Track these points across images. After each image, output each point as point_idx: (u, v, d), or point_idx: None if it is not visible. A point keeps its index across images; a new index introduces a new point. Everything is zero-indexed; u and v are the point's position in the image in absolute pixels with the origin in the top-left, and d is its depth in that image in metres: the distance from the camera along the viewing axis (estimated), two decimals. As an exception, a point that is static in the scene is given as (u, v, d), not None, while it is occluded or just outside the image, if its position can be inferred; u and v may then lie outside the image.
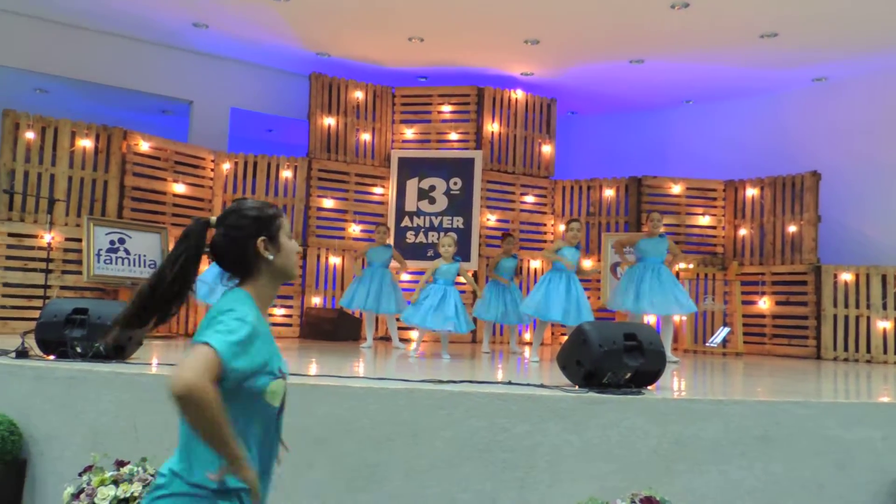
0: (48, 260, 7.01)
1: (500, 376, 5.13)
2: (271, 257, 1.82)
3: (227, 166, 9.11)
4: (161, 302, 1.76)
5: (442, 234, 9.35)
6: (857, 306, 8.33)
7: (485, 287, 7.98)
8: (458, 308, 6.53)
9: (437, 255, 9.30)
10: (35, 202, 7.53)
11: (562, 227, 9.98)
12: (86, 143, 7.91)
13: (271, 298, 1.88)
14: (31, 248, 7.42)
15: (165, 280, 1.75)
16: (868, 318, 8.27)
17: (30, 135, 7.59)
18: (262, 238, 1.82)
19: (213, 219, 1.84)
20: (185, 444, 1.71)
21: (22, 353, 4.47)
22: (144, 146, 8.34)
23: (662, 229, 7.25)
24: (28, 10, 8.39)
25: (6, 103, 8.05)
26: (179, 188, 8.65)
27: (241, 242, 1.80)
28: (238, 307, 1.71)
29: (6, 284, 7.29)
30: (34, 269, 7.33)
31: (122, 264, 7.79)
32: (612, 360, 3.95)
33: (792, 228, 9.03)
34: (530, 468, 3.58)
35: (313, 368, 5.15)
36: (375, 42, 9.02)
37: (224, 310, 1.69)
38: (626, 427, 3.63)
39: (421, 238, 9.50)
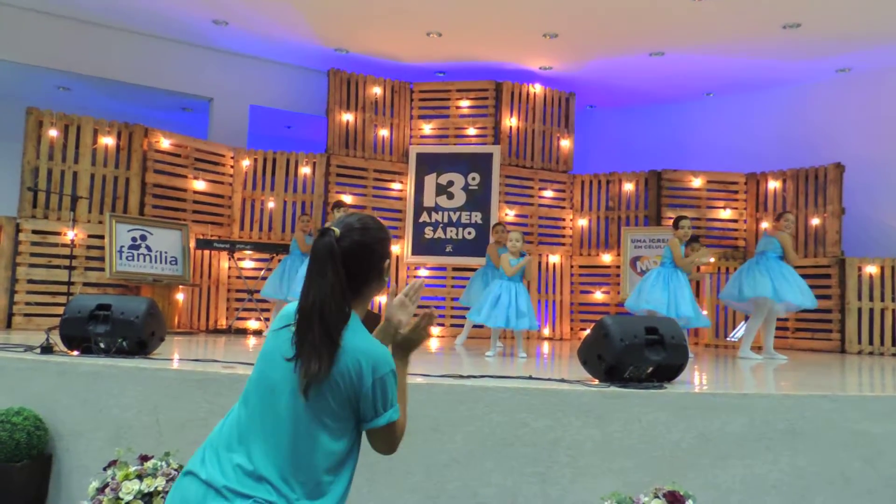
0: (71, 257, 7.10)
1: (520, 371, 5.11)
2: (387, 278, 1.84)
3: (246, 163, 9.16)
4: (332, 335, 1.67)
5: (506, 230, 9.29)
6: (882, 299, 8.21)
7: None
8: (528, 306, 6.34)
9: (455, 251, 9.33)
10: (58, 199, 7.63)
11: (581, 223, 9.94)
12: (108, 141, 7.99)
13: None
14: (55, 244, 7.51)
15: (331, 310, 1.67)
16: (893, 311, 8.14)
17: (53, 132, 7.68)
18: (389, 261, 1.84)
19: (338, 231, 1.75)
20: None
21: (47, 349, 4.52)
22: (165, 143, 8.41)
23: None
24: (50, 9, 8.49)
25: (30, 101, 8.17)
26: (200, 185, 8.72)
27: (370, 260, 1.77)
28: (385, 353, 1.76)
29: (30, 281, 7.39)
30: (58, 266, 7.42)
31: (144, 261, 7.86)
32: (633, 355, 3.91)
33: (815, 221, 8.91)
34: (552, 463, 3.56)
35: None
36: (393, 37, 9.02)
37: (382, 363, 1.71)
38: (648, 421, 3.60)
39: (439, 234, 9.50)
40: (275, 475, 1.66)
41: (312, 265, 1.71)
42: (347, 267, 1.71)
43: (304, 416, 1.67)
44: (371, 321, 7.28)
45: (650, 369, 3.94)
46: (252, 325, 8.71)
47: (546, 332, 9.61)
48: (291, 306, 1.78)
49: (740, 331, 8.95)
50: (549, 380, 4.03)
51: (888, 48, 8.65)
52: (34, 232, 7.48)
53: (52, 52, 8.65)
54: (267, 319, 8.45)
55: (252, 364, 4.43)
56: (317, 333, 1.64)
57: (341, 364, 1.66)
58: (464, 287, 9.04)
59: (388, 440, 1.77)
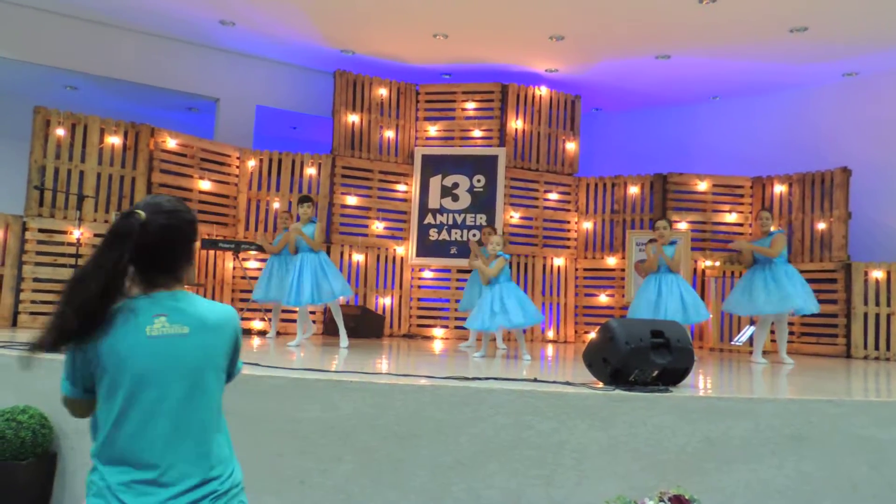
0: (77, 256, 7.12)
1: (524, 373, 5.11)
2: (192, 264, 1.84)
3: (252, 163, 9.17)
4: (90, 317, 1.62)
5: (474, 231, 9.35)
6: (889, 304, 8.17)
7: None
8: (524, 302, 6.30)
9: (460, 253, 9.31)
10: (65, 198, 7.65)
11: (586, 226, 9.92)
12: (114, 140, 8.01)
13: None
14: (61, 243, 7.53)
15: (98, 289, 1.62)
16: (900, 317, 8.10)
17: (60, 132, 7.70)
18: (197, 243, 1.86)
19: (144, 215, 1.71)
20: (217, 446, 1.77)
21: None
22: (171, 143, 8.43)
23: (773, 227, 7.15)
24: (57, 8, 8.52)
25: (37, 100, 8.19)
26: (205, 185, 8.73)
27: (179, 243, 1.77)
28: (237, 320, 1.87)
29: (36, 280, 7.41)
30: (63, 265, 7.44)
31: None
32: (638, 358, 3.91)
33: (821, 225, 8.88)
34: (557, 466, 3.55)
35: (338, 364, 5.17)
36: (399, 39, 9.02)
37: (237, 328, 1.85)
38: (653, 425, 3.59)
39: (444, 235, 9.50)
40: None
41: (106, 240, 1.67)
42: (156, 249, 1.71)
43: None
44: (373, 321, 7.33)
45: (655, 373, 3.93)
46: (256, 325, 8.71)
47: (550, 334, 9.59)
48: None
49: (745, 335, 8.93)
50: (554, 382, 4.02)
51: (895, 52, 8.63)
52: (40, 231, 7.50)
53: (59, 52, 8.68)
54: (270, 320, 8.45)
55: (255, 364, 4.43)
56: (67, 310, 1.60)
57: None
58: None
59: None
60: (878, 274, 8.27)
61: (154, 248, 1.71)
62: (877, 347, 8.18)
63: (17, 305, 7.36)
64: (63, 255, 7.49)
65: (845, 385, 5.17)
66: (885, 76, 9.23)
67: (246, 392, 3.72)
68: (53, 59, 8.70)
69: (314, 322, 8.40)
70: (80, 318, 1.60)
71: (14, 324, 7.33)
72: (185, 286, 1.81)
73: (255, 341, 7.22)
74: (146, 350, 1.64)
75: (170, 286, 1.75)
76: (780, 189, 9.38)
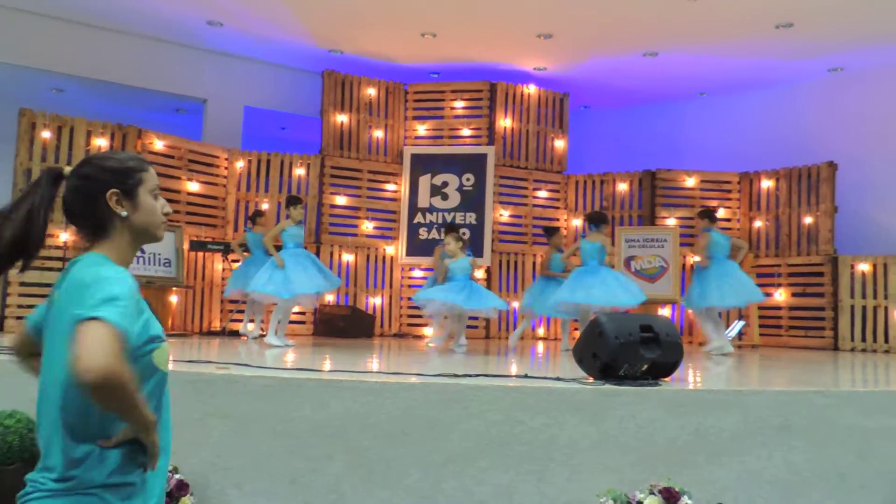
0: (64, 259, 7.07)
1: (514, 370, 5.12)
2: (125, 214, 1.61)
3: (240, 164, 9.15)
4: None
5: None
6: (875, 296, 8.25)
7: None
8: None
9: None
10: (51, 202, 7.59)
11: (575, 223, 9.95)
12: (101, 142, 7.97)
13: (129, 262, 1.66)
14: (48, 247, 7.47)
15: (8, 228, 1.57)
16: (886, 309, 8.19)
17: (46, 134, 7.65)
18: (115, 191, 1.61)
19: (68, 168, 1.63)
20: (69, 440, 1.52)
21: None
22: (159, 145, 8.39)
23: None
24: (44, 10, 8.46)
25: (22, 103, 8.13)
26: (193, 186, 8.70)
27: (90, 195, 1.61)
28: (106, 271, 1.51)
29: (23, 284, 7.36)
30: (50, 269, 7.37)
31: (137, 263, 7.83)
32: (628, 352, 3.92)
33: (808, 219, 8.95)
34: (548, 461, 3.56)
35: (328, 364, 5.17)
36: (388, 38, 9.02)
37: (95, 279, 1.48)
38: (643, 419, 3.61)
39: (434, 234, 9.49)
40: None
41: (26, 189, 1.62)
42: (71, 205, 1.61)
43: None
44: (363, 321, 7.30)
45: (645, 367, 3.95)
46: (249, 326, 8.67)
47: (541, 331, 9.62)
48: None
49: (734, 329, 8.98)
50: (544, 378, 4.04)
51: (880, 48, 8.70)
52: (27, 234, 7.44)
53: (45, 54, 8.62)
54: (262, 321, 8.43)
55: (246, 365, 4.43)
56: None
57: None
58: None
59: (85, 343, 1.48)
60: (864, 267, 8.34)
61: (69, 200, 1.61)
62: (863, 339, 8.26)
63: (3, 310, 7.31)
64: (49, 258, 7.43)
65: (832, 377, 5.22)
66: (869, 71, 9.31)
67: (236, 392, 3.71)
68: (39, 61, 8.64)
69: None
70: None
71: (0, 328, 7.28)
72: (125, 244, 1.64)
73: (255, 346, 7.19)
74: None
75: (91, 244, 1.62)
76: (767, 184, 9.44)
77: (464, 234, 9.37)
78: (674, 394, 3.70)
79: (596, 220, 7.37)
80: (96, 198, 1.61)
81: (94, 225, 1.62)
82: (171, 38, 9.25)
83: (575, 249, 7.44)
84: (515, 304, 8.97)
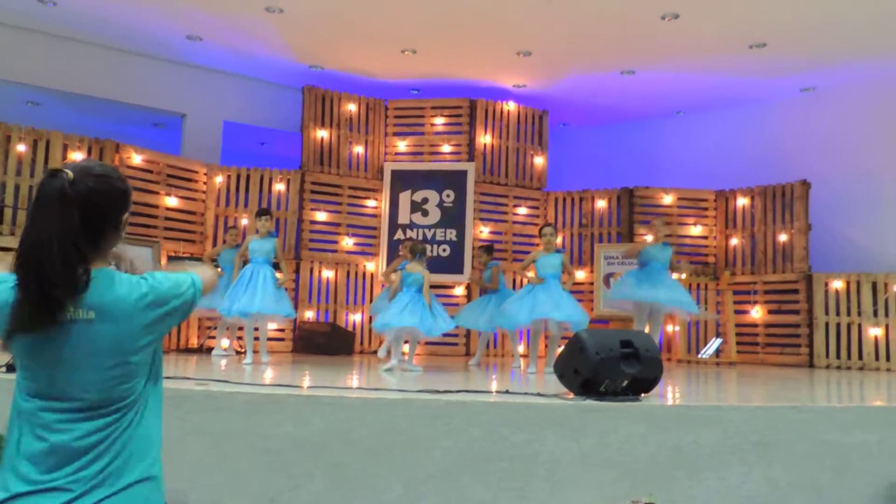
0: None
1: (496, 386, 5.12)
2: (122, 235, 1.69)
3: (219, 179, 9.09)
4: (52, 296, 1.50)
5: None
6: (849, 314, 8.38)
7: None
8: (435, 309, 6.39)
9: (430, 268, 9.30)
10: (26, 216, 7.47)
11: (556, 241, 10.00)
12: (77, 156, 7.88)
13: None
14: (22, 262, 7.35)
15: (55, 266, 1.49)
16: (860, 326, 8.32)
17: (21, 147, 7.56)
18: (128, 214, 1.68)
19: (71, 174, 1.56)
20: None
21: (11, 368, 4.42)
22: (137, 159, 8.32)
23: (665, 236, 7.31)
24: (19, 22, 8.38)
25: (-3, 117, 8.01)
26: (172, 201, 8.63)
27: (109, 213, 1.62)
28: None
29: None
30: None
31: (114, 278, 7.72)
32: (608, 368, 3.94)
33: (783, 237, 9.09)
34: (530, 477, 3.56)
35: (308, 380, 5.13)
36: (368, 54, 9.06)
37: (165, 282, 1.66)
38: (624, 434, 3.63)
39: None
40: None
41: (36, 206, 1.52)
42: (80, 215, 1.54)
43: None
44: (343, 338, 7.25)
45: (625, 382, 3.97)
46: (224, 343, 8.58)
47: (521, 349, 9.62)
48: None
49: (711, 347, 9.07)
50: (525, 394, 4.04)
51: (850, 67, 8.91)
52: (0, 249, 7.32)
53: (19, 67, 8.53)
54: (239, 339, 8.35)
55: (225, 381, 4.38)
56: (36, 282, 1.49)
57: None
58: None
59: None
60: (837, 284, 8.48)
61: (79, 213, 1.54)
62: (838, 356, 8.37)
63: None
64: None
65: (808, 393, 5.28)
66: (840, 91, 9.52)
67: (214, 409, 3.67)
68: (14, 74, 8.55)
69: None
70: (56, 283, 1.50)
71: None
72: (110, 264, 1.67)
73: (223, 361, 7.11)
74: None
75: (92, 261, 1.59)
76: (742, 202, 9.58)
77: (444, 250, 9.38)
78: (654, 409, 3.72)
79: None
80: (110, 213, 1.63)
81: (94, 236, 1.60)
82: (150, 52, 9.20)
83: (531, 262, 7.15)
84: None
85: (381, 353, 7.78)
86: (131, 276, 1.62)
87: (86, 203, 1.56)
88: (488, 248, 7.78)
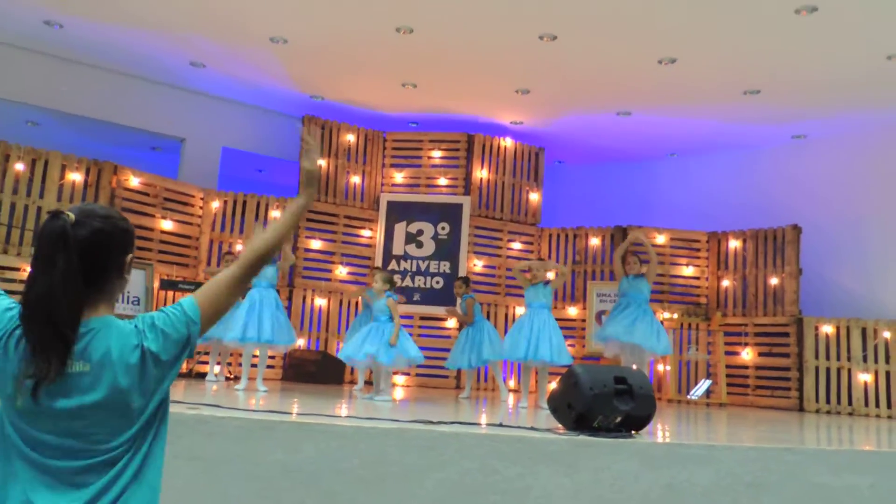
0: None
1: (487, 419, 5.10)
2: (127, 278, 1.66)
3: (216, 204, 9.12)
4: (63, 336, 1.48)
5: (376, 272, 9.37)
6: (839, 358, 8.42)
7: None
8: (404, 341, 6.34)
9: (424, 300, 9.34)
10: (20, 234, 7.47)
11: (549, 275, 10.04)
12: (76, 177, 7.90)
13: None
14: (13, 280, 7.32)
15: (62, 313, 1.48)
16: (849, 371, 8.35)
17: (19, 166, 7.57)
18: (132, 255, 1.67)
19: (73, 216, 1.54)
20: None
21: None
22: (134, 181, 8.35)
23: (642, 270, 7.38)
24: (24, 43, 8.46)
25: (-4, 135, 8.04)
26: (167, 224, 8.63)
27: (114, 254, 1.60)
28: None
29: None
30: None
31: (106, 299, 7.68)
32: (602, 404, 3.95)
33: (774, 280, 9.16)
34: (521, 511, 3.53)
35: (300, 407, 5.09)
36: (369, 87, 9.17)
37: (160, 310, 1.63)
38: (617, 471, 3.62)
39: (408, 282, 9.51)
40: None
41: (39, 253, 1.49)
42: (84, 259, 1.51)
43: None
44: (333, 367, 7.21)
45: (619, 419, 3.97)
46: (216, 369, 8.52)
47: (511, 383, 9.59)
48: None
49: (701, 388, 9.07)
50: (519, 427, 4.03)
51: (841, 118, 9.10)
52: (-7, 266, 7.29)
53: (20, 87, 8.57)
54: (229, 364, 8.29)
55: (216, 406, 4.34)
56: (46, 331, 1.46)
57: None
58: (431, 336, 9.13)
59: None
60: (828, 329, 8.53)
61: (83, 255, 1.52)
62: (828, 401, 8.38)
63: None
64: (15, 292, 7.25)
65: (799, 435, 5.28)
66: (830, 140, 9.69)
67: (205, 434, 3.63)
68: (14, 94, 8.59)
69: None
70: (71, 330, 1.47)
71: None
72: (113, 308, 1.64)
73: (212, 385, 7.05)
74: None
75: (96, 306, 1.57)
76: (734, 244, 9.67)
77: (437, 282, 9.40)
78: (647, 446, 3.72)
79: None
80: (114, 255, 1.60)
81: (97, 279, 1.58)
82: (152, 77, 9.29)
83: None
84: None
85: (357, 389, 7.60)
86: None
87: (89, 244, 1.54)
88: (465, 280, 7.90)
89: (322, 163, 9.63)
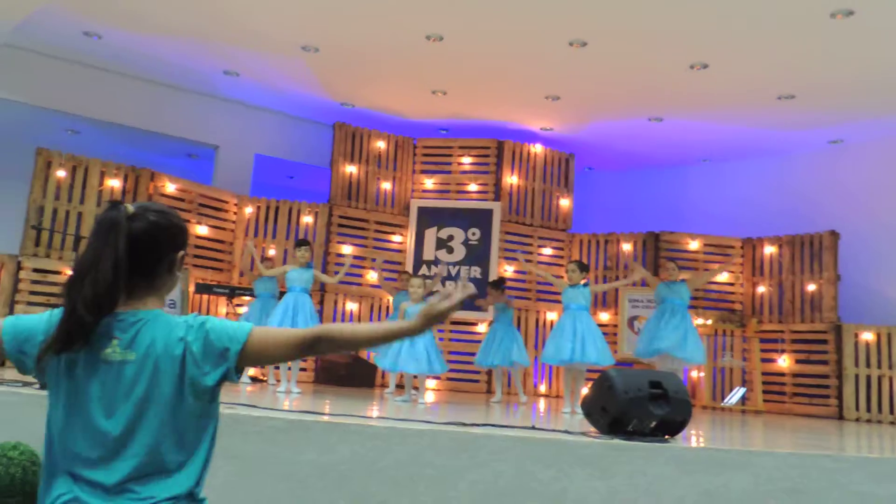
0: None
1: (521, 421, 5.08)
2: (178, 275, 1.71)
3: (249, 210, 9.24)
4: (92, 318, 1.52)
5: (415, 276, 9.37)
6: (879, 366, 8.23)
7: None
8: (430, 350, 6.36)
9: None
10: (61, 239, 7.65)
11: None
12: (114, 183, 8.07)
13: None
14: (55, 283, 7.50)
15: (107, 284, 1.52)
16: (890, 379, 8.15)
17: (60, 173, 7.76)
18: (184, 253, 1.70)
19: (132, 208, 1.60)
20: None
21: (45, 385, 4.47)
22: (171, 188, 8.50)
23: (679, 276, 7.35)
24: (65, 55, 8.67)
25: (38, 142, 8.27)
26: (202, 230, 8.77)
27: (158, 247, 1.63)
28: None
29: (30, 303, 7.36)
30: (56, 305, 7.37)
31: (143, 303, 7.82)
32: (637, 408, 3.91)
33: (811, 287, 8.99)
34: (555, 515, 3.51)
35: (333, 408, 5.12)
36: (399, 94, 9.24)
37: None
38: (653, 475, 3.57)
39: (438, 287, 9.51)
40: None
41: (94, 236, 1.55)
42: (137, 250, 1.56)
43: None
44: (365, 370, 7.24)
45: (654, 423, 3.93)
46: (249, 370, 8.62)
47: (542, 388, 9.55)
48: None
49: (736, 395, 8.93)
50: (553, 430, 4.01)
51: (879, 122, 8.91)
52: (35, 270, 7.48)
53: (61, 96, 8.80)
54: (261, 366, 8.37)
55: (251, 405, 4.39)
56: (87, 299, 1.50)
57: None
58: (462, 341, 9.13)
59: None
60: (868, 336, 8.34)
61: (137, 246, 1.57)
62: (868, 409, 8.19)
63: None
64: (56, 295, 7.44)
65: (838, 442, 5.17)
66: (869, 145, 9.50)
67: (240, 434, 3.68)
68: (56, 103, 8.82)
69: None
70: (94, 314, 1.50)
71: (3, 363, 7.22)
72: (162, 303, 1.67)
73: (247, 386, 7.13)
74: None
75: (144, 299, 1.61)
76: (770, 250, 9.52)
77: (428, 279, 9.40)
78: (683, 451, 3.67)
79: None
80: (165, 250, 1.64)
81: (148, 272, 1.63)
82: (187, 86, 9.46)
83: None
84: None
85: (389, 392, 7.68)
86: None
87: (142, 236, 1.58)
88: (496, 284, 7.86)
89: (353, 169, 9.71)
